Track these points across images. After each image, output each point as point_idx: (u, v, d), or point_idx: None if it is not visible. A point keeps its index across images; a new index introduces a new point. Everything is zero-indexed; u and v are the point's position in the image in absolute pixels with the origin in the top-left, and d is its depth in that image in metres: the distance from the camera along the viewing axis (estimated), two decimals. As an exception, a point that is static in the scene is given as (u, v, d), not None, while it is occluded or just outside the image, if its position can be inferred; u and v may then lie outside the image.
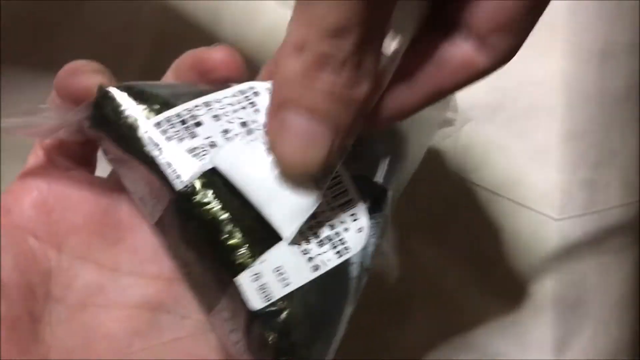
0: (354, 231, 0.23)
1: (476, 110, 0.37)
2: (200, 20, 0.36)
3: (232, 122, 0.23)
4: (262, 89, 0.24)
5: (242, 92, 0.24)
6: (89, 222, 0.24)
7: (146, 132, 0.22)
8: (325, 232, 0.23)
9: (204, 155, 0.22)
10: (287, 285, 0.22)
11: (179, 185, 0.22)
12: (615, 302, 0.40)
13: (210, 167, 0.22)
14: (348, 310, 0.23)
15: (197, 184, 0.22)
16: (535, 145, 0.37)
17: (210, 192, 0.22)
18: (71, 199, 0.24)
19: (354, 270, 0.23)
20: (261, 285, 0.22)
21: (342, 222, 0.23)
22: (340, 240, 0.23)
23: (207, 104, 0.23)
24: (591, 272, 0.39)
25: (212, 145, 0.23)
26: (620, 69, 0.38)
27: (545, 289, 0.38)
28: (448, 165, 0.38)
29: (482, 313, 0.38)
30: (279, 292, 0.22)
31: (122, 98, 0.23)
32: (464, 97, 0.37)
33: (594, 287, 0.39)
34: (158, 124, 0.22)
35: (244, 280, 0.22)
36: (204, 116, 0.23)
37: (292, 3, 0.36)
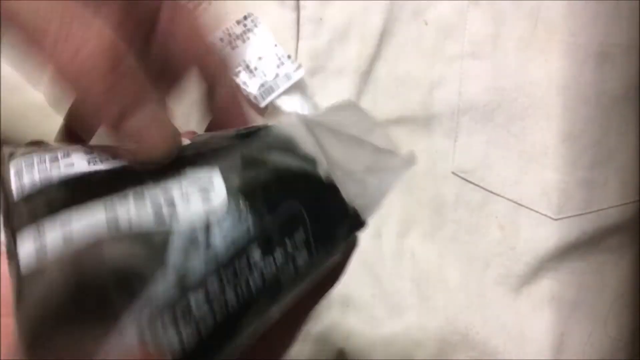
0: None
1: (476, 110, 0.37)
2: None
3: None
4: None
5: None
6: None
7: None
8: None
9: None
10: None
11: None
12: (613, 302, 0.40)
13: None
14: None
15: None
16: (534, 145, 0.37)
17: None
18: None
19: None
20: None
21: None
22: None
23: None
24: (589, 271, 0.39)
25: None
26: (618, 70, 0.38)
27: (544, 288, 0.38)
28: (448, 165, 0.38)
29: (480, 312, 0.38)
30: None
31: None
32: (464, 97, 0.38)
33: (592, 287, 0.39)
34: None
35: None
36: None
37: (292, 3, 0.36)
